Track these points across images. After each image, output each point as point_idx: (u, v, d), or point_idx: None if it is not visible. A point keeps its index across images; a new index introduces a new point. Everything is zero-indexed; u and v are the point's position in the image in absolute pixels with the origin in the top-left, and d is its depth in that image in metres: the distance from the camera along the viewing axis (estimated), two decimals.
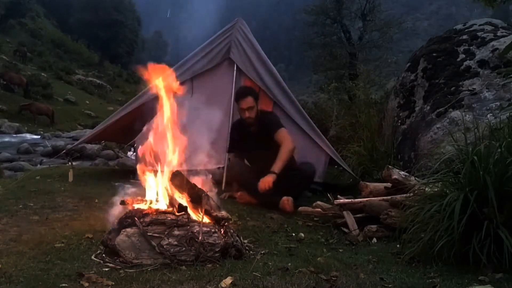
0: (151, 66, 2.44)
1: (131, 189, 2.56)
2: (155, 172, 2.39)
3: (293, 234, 2.82)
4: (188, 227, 2.12)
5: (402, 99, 4.76)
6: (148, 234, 2.06)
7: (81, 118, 25.50)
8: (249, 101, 3.78)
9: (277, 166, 3.50)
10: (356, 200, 3.02)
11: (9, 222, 2.82)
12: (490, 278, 1.85)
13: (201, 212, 2.23)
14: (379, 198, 2.89)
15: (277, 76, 4.74)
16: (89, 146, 11.41)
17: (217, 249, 2.11)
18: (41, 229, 2.63)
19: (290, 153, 3.63)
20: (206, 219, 2.28)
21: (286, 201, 3.51)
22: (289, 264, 2.06)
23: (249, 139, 3.86)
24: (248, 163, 4.01)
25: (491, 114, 3.54)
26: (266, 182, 3.44)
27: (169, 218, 2.13)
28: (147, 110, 3.07)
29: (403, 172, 2.89)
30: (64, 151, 8.65)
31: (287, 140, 3.66)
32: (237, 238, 2.26)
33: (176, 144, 2.47)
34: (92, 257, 2.11)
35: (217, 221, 2.27)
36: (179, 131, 2.52)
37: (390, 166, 2.92)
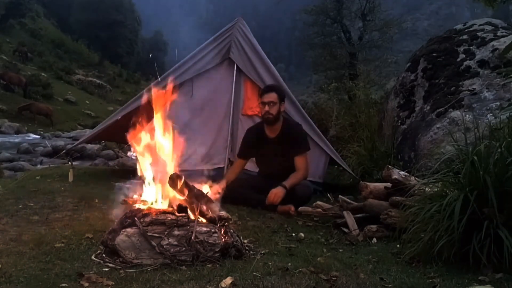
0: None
1: (131, 189, 2.56)
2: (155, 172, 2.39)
3: (293, 234, 2.82)
4: (188, 227, 2.12)
5: (402, 99, 4.76)
6: (148, 234, 2.06)
7: (81, 118, 25.52)
8: (272, 96, 3.61)
9: (289, 183, 3.47)
10: None
11: (9, 222, 2.82)
12: (490, 278, 1.85)
13: (198, 212, 2.23)
14: None
15: (277, 76, 4.74)
16: (89, 146, 11.41)
17: (217, 249, 2.11)
18: (41, 229, 2.63)
19: (303, 179, 3.60)
20: (204, 220, 2.27)
21: (288, 208, 3.50)
22: (289, 264, 2.06)
23: (266, 146, 3.69)
24: (258, 167, 3.92)
25: (491, 114, 3.54)
26: (277, 195, 3.41)
27: (169, 218, 2.12)
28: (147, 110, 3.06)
29: (403, 172, 2.89)
30: (64, 151, 8.65)
31: (305, 169, 3.62)
32: (237, 238, 2.26)
33: (175, 145, 2.46)
34: (92, 257, 2.11)
35: (217, 221, 2.27)
36: (176, 132, 2.50)
37: (390, 166, 2.91)
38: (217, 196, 3.09)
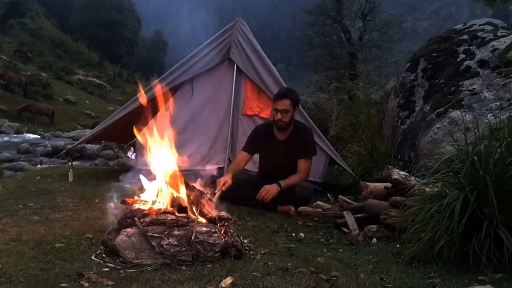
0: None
1: (131, 189, 2.56)
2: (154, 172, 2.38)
3: (293, 234, 2.81)
4: (188, 227, 2.12)
5: (402, 99, 4.76)
6: (148, 234, 2.06)
7: (81, 118, 25.54)
8: (285, 103, 3.49)
9: (285, 183, 3.45)
10: None
11: (9, 222, 2.82)
12: (490, 278, 1.85)
13: (198, 212, 2.23)
14: None
15: (277, 76, 4.74)
16: (89, 146, 11.43)
17: (217, 249, 2.11)
18: (41, 229, 2.63)
19: (301, 182, 3.58)
20: (204, 220, 2.27)
21: (288, 208, 3.49)
22: (289, 264, 2.06)
23: (273, 146, 3.66)
24: (259, 164, 3.91)
25: (491, 114, 3.53)
26: (269, 192, 3.39)
27: (169, 218, 2.13)
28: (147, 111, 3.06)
29: (403, 172, 2.89)
30: (64, 151, 8.65)
31: (305, 173, 3.60)
32: (237, 238, 2.26)
33: (174, 145, 2.45)
34: (92, 257, 2.11)
35: (217, 221, 2.27)
36: (176, 132, 2.49)
37: (390, 166, 2.91)
38: (219, 193, 3.11)
